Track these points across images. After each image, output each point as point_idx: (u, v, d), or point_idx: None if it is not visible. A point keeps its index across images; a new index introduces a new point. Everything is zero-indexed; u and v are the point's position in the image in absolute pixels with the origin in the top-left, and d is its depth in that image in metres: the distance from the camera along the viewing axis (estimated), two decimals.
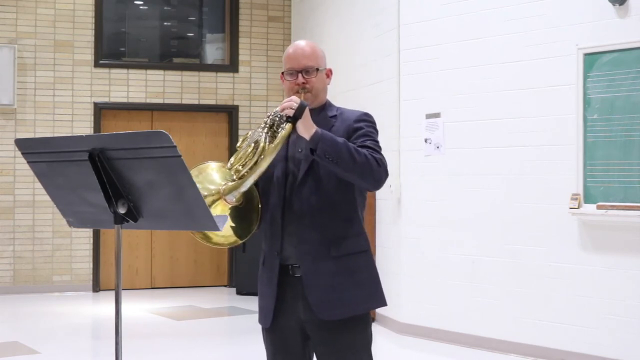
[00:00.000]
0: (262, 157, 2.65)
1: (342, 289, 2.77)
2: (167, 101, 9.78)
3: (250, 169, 2.66)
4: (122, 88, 9.64)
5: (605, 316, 5.61)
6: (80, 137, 2.38)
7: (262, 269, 2.91)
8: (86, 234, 9.41)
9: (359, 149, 2.70)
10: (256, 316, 2.99)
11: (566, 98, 5.81)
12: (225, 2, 10.14)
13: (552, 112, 5.94)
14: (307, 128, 2.65)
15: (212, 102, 9.94)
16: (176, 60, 10.23)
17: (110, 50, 9.93)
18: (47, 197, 2.70)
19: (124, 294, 8.26)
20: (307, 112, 2.66)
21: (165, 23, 10.69)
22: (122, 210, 2.41)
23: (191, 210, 2.36)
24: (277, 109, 2.72)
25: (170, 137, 2.24)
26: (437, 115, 6.68)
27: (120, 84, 9.63)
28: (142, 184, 2.38)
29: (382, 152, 2.81)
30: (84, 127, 9.41)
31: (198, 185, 2.66)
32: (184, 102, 9.84)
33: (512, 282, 6.18)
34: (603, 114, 5.58)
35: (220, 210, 2.67)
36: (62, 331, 7.30)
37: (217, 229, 2.42)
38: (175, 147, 2.24)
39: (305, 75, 2.85)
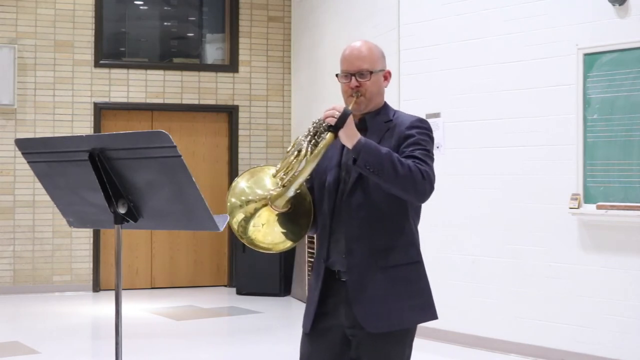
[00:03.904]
0: (303, 166, 2.60)
1: (390, 301, 2.70)
2: (167, 101, 9.78)
3: (292, 177, 2.60)
4: (122, 88, 9.63)
5: (605, 316, 5.61)
6: (80, 137, 2.38)
7: (312, 274, 2.90)
8: (86, 234, 9.41)
9: (404, 160, 2.59)
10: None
11: (566, 98, 5.81)
12: (225, 2, 10.14)
13: (552, 112, 5.93)
14: (349, 137, 2.57)
15: (212, 102, 9.94)
16: (176, 60, 10.23)
17: (110, 50, 9.92)
18: (47, 197, 2.69)
19: (124, 294, 8.24)
20: (350, 120, 2.58)
21: (165, 23, 10.69)
22: (122, 210, 2.41)
23: (191, 210, 2.37)
24: (321, 116, 2.65)
25: (170, 137, 2.24)
26: (437, 115, 6.68)
27: (120, 84, 9.62)
28: (142, 184, 2.38)
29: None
30: (84, 127, 9.41)
31: (246, 189, 2.64)
32: (184, 102, 9.84)
33: (512, 282, 6.18)
34: (603, 114, 5.57)
35: (266, 216, 2.63)
36: (62, 331, 7.29)
37: (217, 229, 2.42)
38: (175, 147, 2.25)
39: (359, 78, 2.75)
